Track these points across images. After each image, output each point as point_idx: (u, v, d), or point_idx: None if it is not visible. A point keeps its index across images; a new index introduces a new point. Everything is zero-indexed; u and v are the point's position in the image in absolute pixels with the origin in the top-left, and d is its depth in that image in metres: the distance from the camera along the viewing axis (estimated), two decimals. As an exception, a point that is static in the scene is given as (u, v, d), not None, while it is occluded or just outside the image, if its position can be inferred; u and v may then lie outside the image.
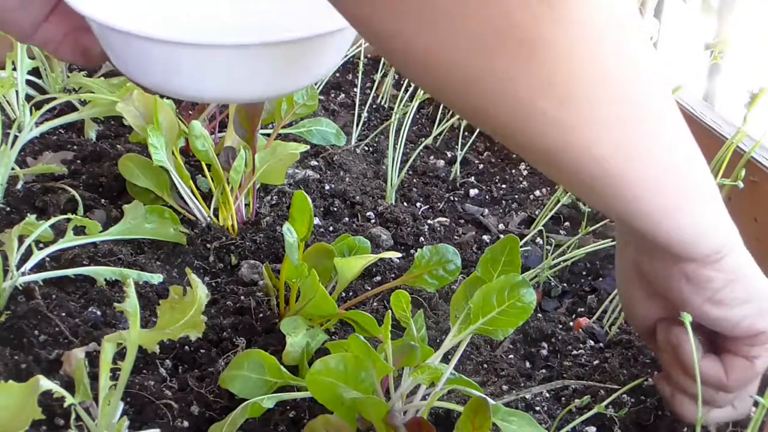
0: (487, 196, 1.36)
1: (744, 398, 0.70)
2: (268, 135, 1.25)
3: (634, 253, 0.68)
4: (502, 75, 0.43)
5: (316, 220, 1.20)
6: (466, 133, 1.47)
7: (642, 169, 0.51)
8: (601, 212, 0.59)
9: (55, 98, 1.31)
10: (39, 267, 1.03)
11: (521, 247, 0.88)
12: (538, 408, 0.91)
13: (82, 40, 0.57)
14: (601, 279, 1.15)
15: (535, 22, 0.41)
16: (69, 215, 1.07)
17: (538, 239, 1.23)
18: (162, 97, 1.19)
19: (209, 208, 1.17)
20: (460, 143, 1.43)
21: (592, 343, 1.03)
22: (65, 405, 0.70)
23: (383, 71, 1.66)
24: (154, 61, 0.51)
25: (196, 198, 1.16)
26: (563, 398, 0.94)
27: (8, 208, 1.18)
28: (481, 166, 1.44)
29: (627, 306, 0.76)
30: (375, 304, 1.04)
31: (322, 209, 1.24)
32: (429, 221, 1.25)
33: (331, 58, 0.59)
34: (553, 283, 1.13)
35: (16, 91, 1.34)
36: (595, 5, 0.43)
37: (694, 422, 0.70)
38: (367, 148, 1.46)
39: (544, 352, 1.02)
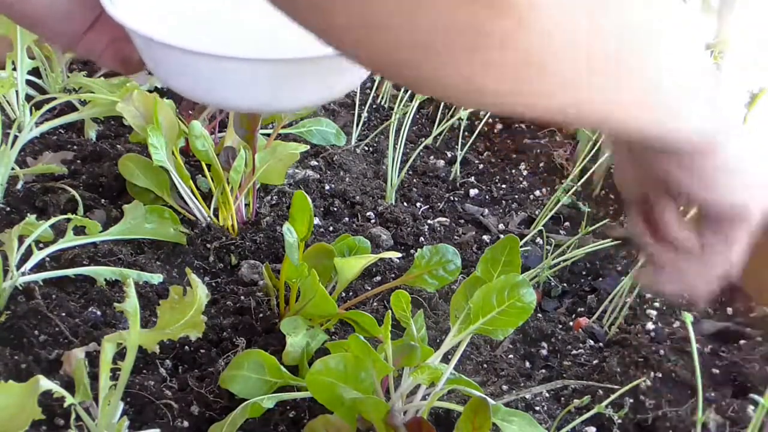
0: (487, 196, 1.36)
1: (708, 275, 0.70)
2: (268, 135, 1.25)
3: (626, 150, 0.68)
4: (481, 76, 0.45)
5: (316, 220, 1.20)
6: (466, 133, 1.47)
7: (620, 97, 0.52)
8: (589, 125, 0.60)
9: (55, 98, 1.31)
10: (39, 267, 1.03)
11: (521, 247, 0.88)
12: (538, 408, 0.91)
13: (122, 49, 0.60)
14: (601, 279, 1.15)
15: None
16: (69, 215, 1.07)
17: (538, 239, 1.23)
18: (163, 96, 1.19)
19: (209, 208, 1.17)
20: (460, 143, 1.43)
21: (592, 342, 1.03)
22: (65, 405, 0.70)
23: (383, 71, 1.66)
24: (196, 73, 0.53)
25: (196, 198, 1.16)
26: (563, 398, 0.94)
27: (8, 208, 1.18)
28: (481, 166, 1.44)
29: (621, 178, 0.74)
30: (375, 304, 1.04)
31: (322, 209, 1.25)
32: (429, 221, 1.25)
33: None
34: (553, 283, 1.13)
35: (16, 91, 1.34)
36: None
37: (657, 290, 0.69)
38: (367, 148, 1.47)
39: (544, 352, 1.02)
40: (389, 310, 0.85)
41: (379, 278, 1.09)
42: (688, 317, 0.75)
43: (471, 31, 0.42)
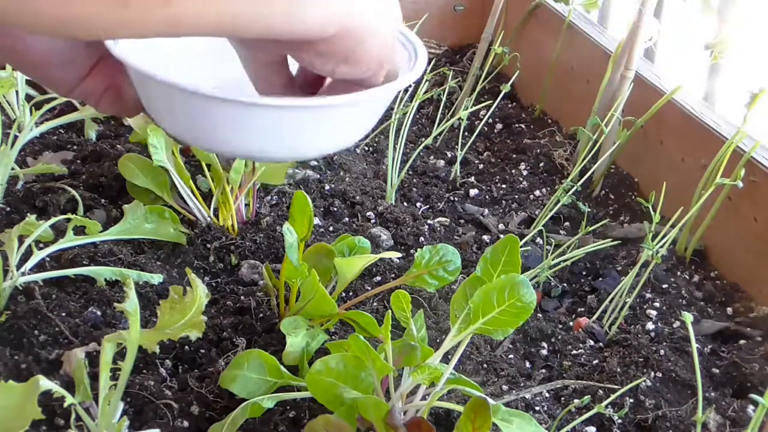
0: (487, 196, 1.36)
1: None
2: (268, 135, 1.25)
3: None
4: None
5: (316, 220, 1.20)
6: (466, 134, 1.47)
7: None
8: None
9: (55, 98, 1.31)
10: (39, 267, 1.03)
11: (521, 247, 0.88)
12: (538, 408, 0.91)
13: (120, 93, 0.60)
14: (601, 279, 1.15)
15: None
16: (69, 215, 1.07)
17: (538, 239, 1.23)
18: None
19: (209, 208, 1.17)
20: (460, 143, 1.43)
21: (592, 343, 1.03)
22: (65, 405, 0.71)
23: (383, 71, 1.66)
24: (189, 114, 0.53)
25: (196, 198, 1.16)
26: (563, 398, 0.94)
27: (8, 208, 1.18)
28: (481, 166, 1.44)
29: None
30: (375, 304, 1.04)
31: (322, 209, 1.25)
32: (429, 221, 1.25)
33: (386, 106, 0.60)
34: (553, 283, 1.13)
35: (16, 91, 1.34)
36: None
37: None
38: (367, 148, 1.47)
39: (544, 352, 1.02)
40: (389, 310, 0.85)
41: (379, 278, 1.09)
42: (688, 317, 0.75)
43: None
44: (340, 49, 0.57)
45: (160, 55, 0.58)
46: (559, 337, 1.03)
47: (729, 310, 1.11)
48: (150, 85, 0.54)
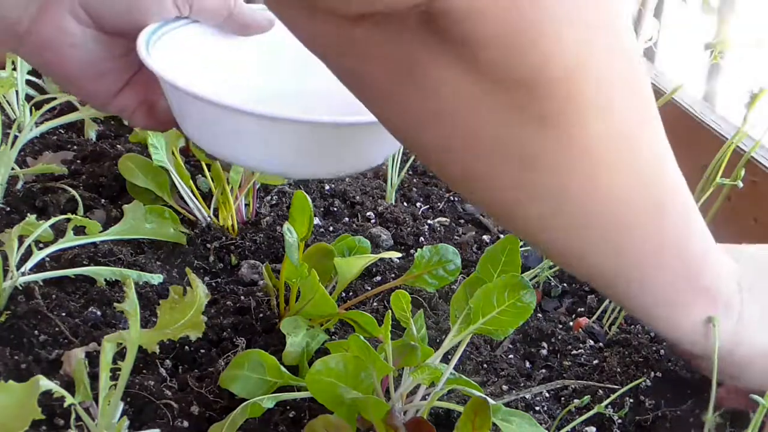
0: (487, 196, 1.36)
1: None
2: (268, 135, 1.25)
3: None
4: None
5: (316, 220, 1.20)
6: (466, 133, 1.47)
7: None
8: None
9: (55, 98, 1.31)
10: (39, 267, 1.03)
11: (521, 246, 0.88)
12: (538, 408, 0.91)
13: (153, 107, 0.61)
14: (601, 279, 1.15)
15: None
16: (69, 215, 1.07)
17: (538, 239, 1.23)
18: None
19: (209, 208, 1.17)
20: (460, 143, 1.42)
21: (592, 342, 1.03)
22: (65, 405, 0.70)
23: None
24: (216, 125, 0.52)
25: (196, 198, 1.16)
26: (563, 398, 0.94)
27: (8, 208, 1.17)
28: (481, 166, 1.44)
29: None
30: (375, 304, 1.04)
31: (322, 209, 1.25)
32: (429, 221, 1.25)
33: None
34: (552, 283, 1.13)
35: (16, 91, 1.34)
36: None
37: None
38: (367, 148, 1.46)
39: (544, 351, 1.02)
40: (389, 310, 0.85)
41: (379, 278, 1.09)
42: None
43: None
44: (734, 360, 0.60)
45: (197, 70, 0.58)
46: (559, 337, 1.03)
47: (729, 310, 1.11)
48: (180, 97, 0.53)
